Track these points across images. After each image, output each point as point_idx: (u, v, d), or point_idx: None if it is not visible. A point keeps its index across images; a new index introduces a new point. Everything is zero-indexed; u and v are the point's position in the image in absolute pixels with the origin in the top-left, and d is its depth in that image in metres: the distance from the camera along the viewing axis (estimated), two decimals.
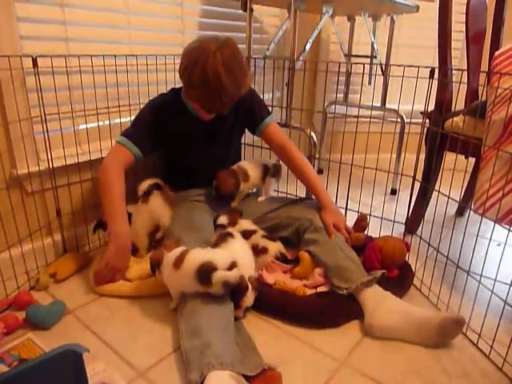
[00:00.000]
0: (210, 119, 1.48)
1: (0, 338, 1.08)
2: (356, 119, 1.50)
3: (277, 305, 1.24)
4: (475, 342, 1.15)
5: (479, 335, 1.15)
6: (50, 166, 1.38)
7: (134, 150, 1.39)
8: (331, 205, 1.46)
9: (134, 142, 1.39)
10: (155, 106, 1.46)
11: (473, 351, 1.13)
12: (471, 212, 1.23)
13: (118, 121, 1.56)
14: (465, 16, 1.60)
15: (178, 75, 1.51)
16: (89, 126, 1.47)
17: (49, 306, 1.21)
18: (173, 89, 1.53)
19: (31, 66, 1.25)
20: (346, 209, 1.62)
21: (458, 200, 1.31)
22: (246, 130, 1.69)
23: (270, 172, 1.65)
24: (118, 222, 1.32)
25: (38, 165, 1.36)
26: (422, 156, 1.52)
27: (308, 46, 1.85)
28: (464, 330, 1.17)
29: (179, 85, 1.44)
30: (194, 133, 1.50)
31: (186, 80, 1.31)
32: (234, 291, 1.12)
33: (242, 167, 1.60)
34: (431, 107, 1.58)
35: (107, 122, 1.50)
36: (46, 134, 1.35)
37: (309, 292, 1.30)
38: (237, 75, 1.29)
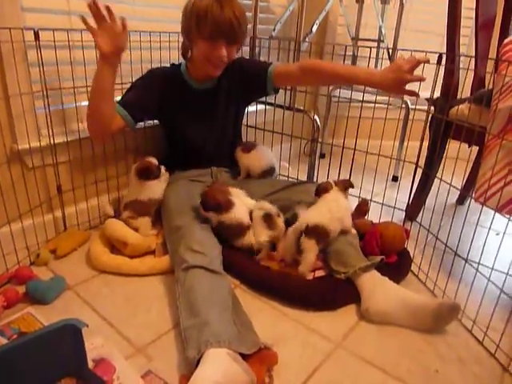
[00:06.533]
0: (206, 91, 1.50)
1: (0, 311, 1.09)
2: (360, 104, 1.49)
3: (276, 286, 1.25)
4: (469, 329, 1.16)
5: (474, 322, 1.16)
6: (51, 141, 1.37)
7: (122, 113, 1.38)
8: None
9: (123, 105, 1.39)
10: (154, 73, 1.48)
11: (467, 337, 1.15)
12: (472, 201, 1.23)
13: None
14: (475, 2, 1.57)
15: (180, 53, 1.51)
16: None
17: (49, 281, 1.22)
18: (173, 64, 1.56)
19: (33, 39, 1.23)
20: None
21: (459, 188, 1.30)
22: (247, 113, 1.68)
23: (269, 174, 1.64)
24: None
25: (40, 140, 1.35)
26: (425, 144, 1.51)
27: (315, 28, 1.82)
28: (459, 317, 1.18)
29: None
30: (192, 105, 1.51)
31: (202, 27, 1.32)
32: None
33: (260, 150, 1.60)
34: (437, 94, 1.56)
35: None
36: (47, 110, 1.33)
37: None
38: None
